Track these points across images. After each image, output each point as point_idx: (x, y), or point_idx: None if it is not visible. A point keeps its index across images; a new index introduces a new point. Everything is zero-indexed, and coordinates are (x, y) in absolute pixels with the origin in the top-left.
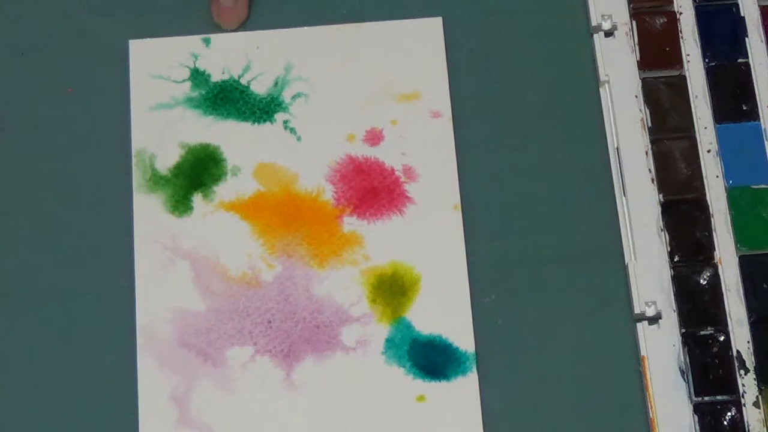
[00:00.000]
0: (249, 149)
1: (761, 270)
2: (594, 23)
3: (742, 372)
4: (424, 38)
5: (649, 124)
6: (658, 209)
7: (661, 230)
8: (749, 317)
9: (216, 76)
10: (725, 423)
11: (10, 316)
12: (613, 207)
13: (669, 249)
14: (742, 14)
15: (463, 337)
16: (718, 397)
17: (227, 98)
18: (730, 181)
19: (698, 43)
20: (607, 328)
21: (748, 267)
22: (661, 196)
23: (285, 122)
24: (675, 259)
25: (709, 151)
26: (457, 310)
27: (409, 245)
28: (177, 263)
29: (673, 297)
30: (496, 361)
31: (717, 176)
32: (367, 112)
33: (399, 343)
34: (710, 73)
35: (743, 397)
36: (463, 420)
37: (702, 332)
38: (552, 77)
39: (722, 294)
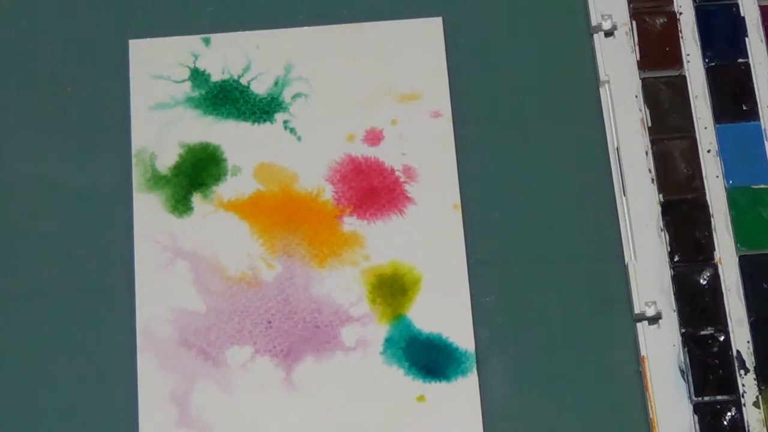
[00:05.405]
0: (249, 149)
1: (761, 270)
2: (594, 23)
3: (742, 372)
4: (424, 38)
5: (649, 124)
6: (658, 209)
7: (661, 230)
8: (749, 317)
9: (216, 76)
10: (725, 423)
11: (10, 316)
12: (613, 207)
13: (669, 249)
14: (742, 14)
15: (463, 337)
16: (718, 397)
17: (227, 98)
18: (730, 181)
19: (698, 43)
20: (607, 328)
21: (748, 267)
22: (661, 196)
23: (285, 122)
24: (675, 259)
25: (709, 151)
26: (457, 310)
27: (410, 245)
28: (177, 263)
29: (673, 297)
30: (496, 361)
31: (717, 176)
32: (367, 112)
33: (398, 341)
34: (710, 73)
35: (743, 397)
36: (463, 420)
37: (702, 332)
38: (552, 77)
39: (722, 294)
